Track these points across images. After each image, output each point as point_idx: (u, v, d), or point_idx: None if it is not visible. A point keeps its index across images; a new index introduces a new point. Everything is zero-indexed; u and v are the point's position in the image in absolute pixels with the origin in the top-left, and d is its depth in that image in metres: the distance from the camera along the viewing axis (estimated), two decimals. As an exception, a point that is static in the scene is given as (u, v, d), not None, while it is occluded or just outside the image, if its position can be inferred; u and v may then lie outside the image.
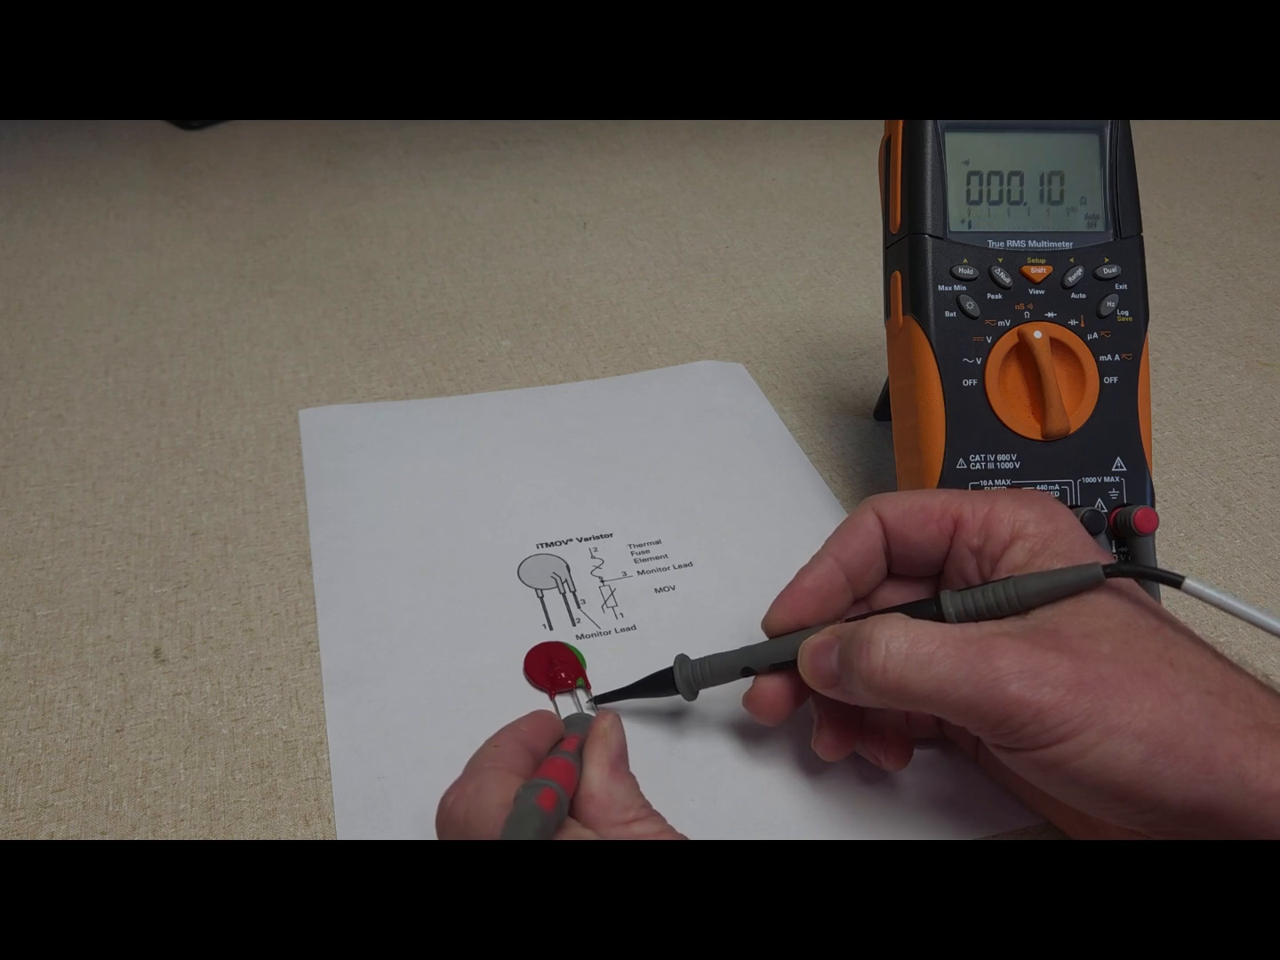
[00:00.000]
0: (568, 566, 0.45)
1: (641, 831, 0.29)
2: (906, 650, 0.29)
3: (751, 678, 0.35)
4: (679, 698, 0.37)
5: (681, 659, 0.36)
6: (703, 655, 0.36)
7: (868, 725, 0.35)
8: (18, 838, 0.34)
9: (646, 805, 0.30)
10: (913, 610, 0.32)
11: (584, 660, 0.40)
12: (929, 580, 0.36)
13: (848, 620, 0.34)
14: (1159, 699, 0.28)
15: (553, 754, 0.31)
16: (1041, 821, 0.35)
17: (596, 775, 0.30)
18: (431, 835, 0.34)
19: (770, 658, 0.35)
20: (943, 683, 0.28)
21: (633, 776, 0.31)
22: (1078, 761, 0.27)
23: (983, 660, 0.28)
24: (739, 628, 0.42)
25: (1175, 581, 0.30)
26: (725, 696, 0.39)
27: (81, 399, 0.55)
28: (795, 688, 0.35)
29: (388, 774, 0.36)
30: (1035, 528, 0.32)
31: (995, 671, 0.28)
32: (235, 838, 0.35)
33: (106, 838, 0.35)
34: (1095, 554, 0.32)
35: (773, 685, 0.35)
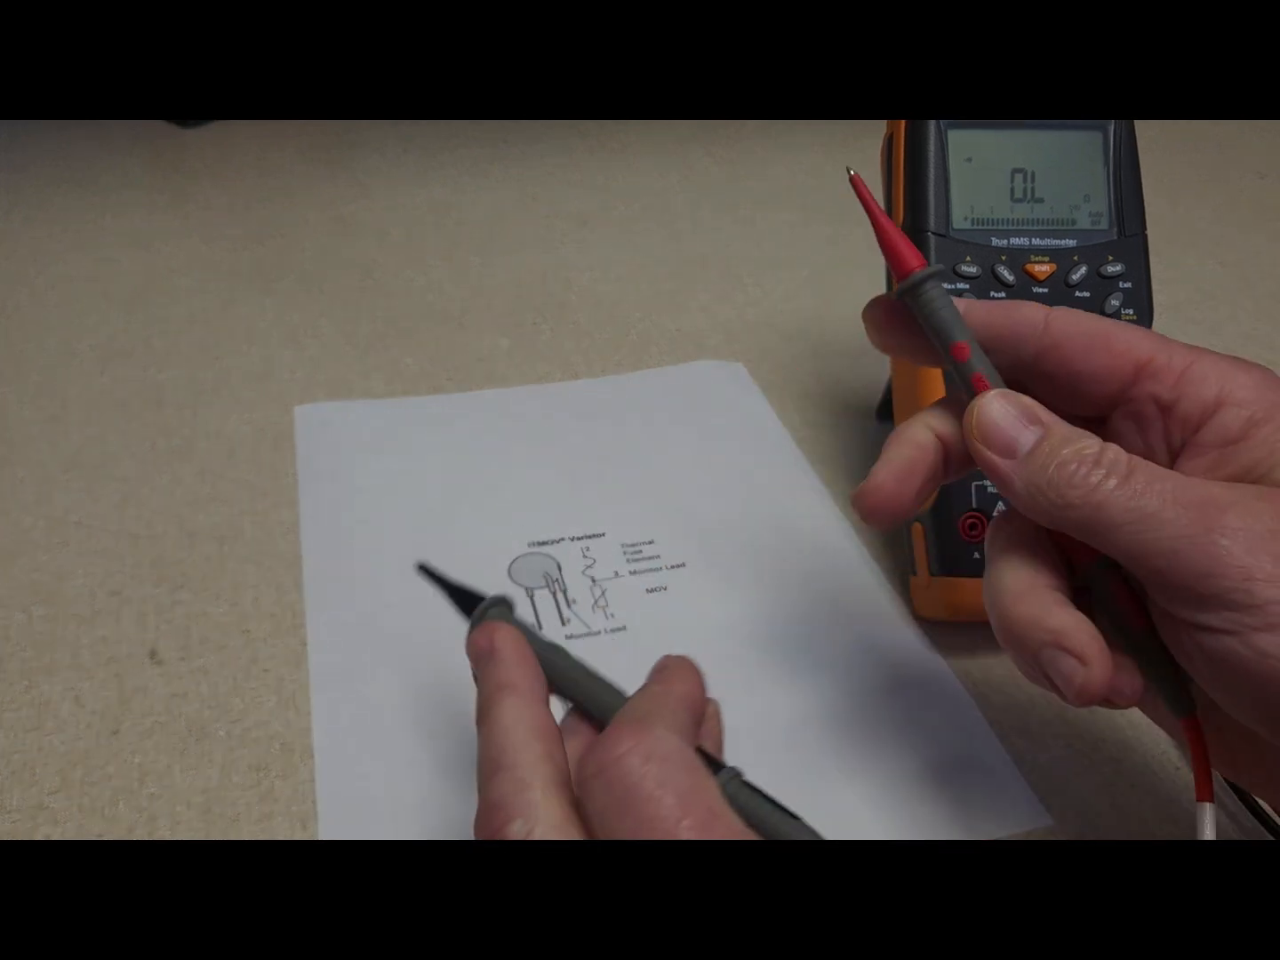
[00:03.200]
0: (559, 566, 0.44)
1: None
2: (1120, 475, 0.25)
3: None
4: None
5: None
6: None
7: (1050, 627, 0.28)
8: (13, 839, 0.34)
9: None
10: None
11: None
12: (1092, 425, 0.29)
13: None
14: None
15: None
16: (1046, 825, 0.35)
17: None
18: (417, 835, 0.33)
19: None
20: (1147, 517, 0.25)
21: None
22: None
23: (1199, 507, 0.25)
24: (731, 629, 0.41)
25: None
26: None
27: (77, 398, 0.54)
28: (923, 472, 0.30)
29: (373, 773, 0.36)
30: (1252, 394, 0.27)
31: (1210, 521, 0.24)
32: (231, 840, 0.34)
33: (102, 840, 0.34)
34: None
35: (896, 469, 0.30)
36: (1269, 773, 0.28)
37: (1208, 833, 0.26)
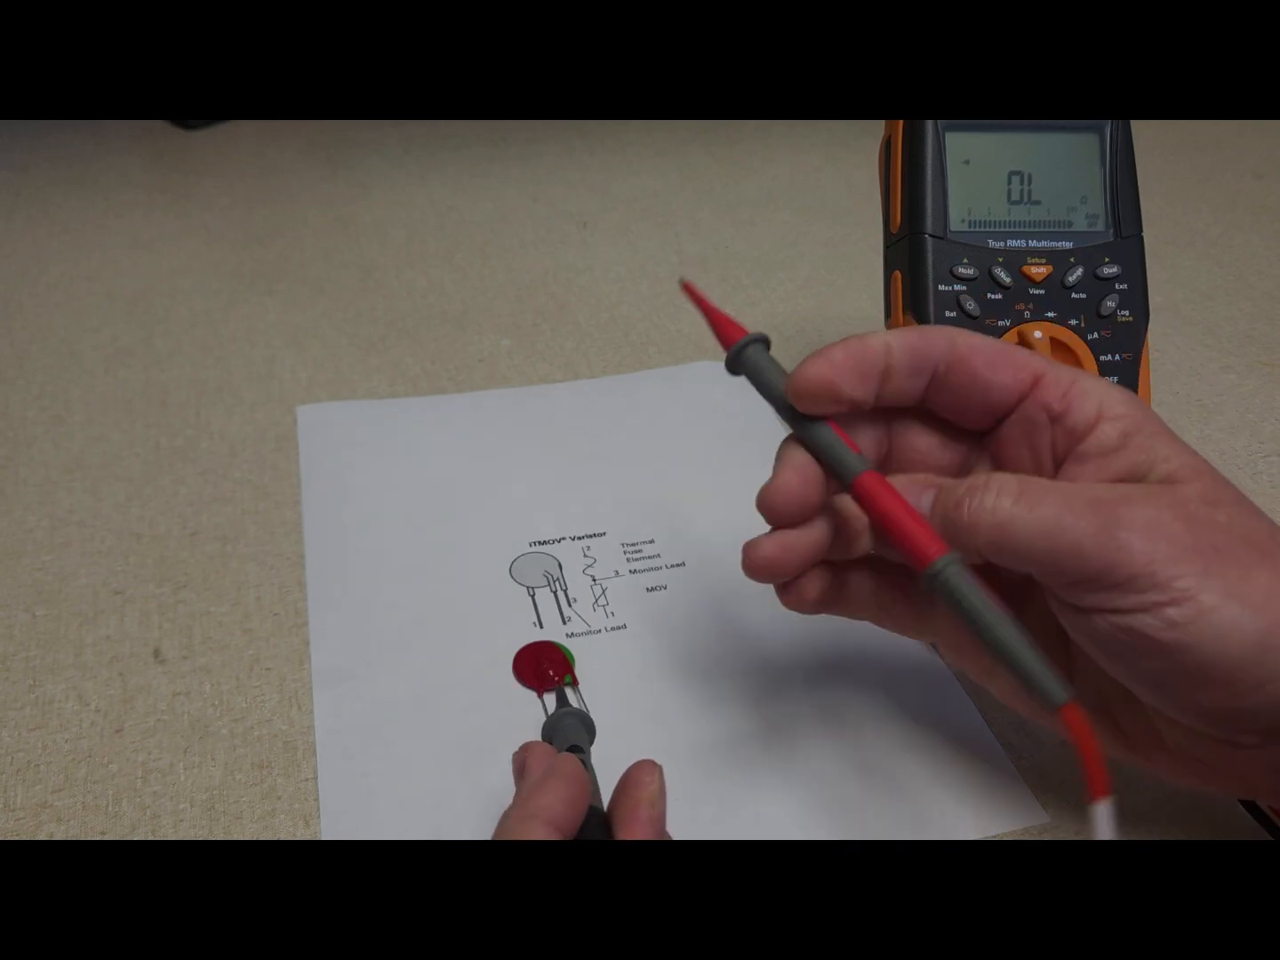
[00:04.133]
0: (560, 565, 0.45)
1: None
2: (1015, 495, 0.28)
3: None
4: (681, 663, 0.36)
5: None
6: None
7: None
8: (17, 838, 0.34)
9: None
10: None
11: (573, 658, 0.40)
12: (972, 442, 0.33)
13: None
14: (1274, 575, 0.26)
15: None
16: (1043, 822, 0.35)
17: None
18: (417, 833, 0.34)
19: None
20: (1049, 524, 0.27)
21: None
22: (1189, 629, 0.26)
23: (1095, 507, 0.27)
24: (730, 628, 0.42)
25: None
26: (711, 692, 0.39)
27: (80, 399, 0.54)
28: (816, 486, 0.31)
29: (374, 771, 0.36)
30: (1125, 409, 0.30)
31: (1108, 517, 0.27)
32: (235, 838, 0.35)
33: (106, 838, 0.34)
34: (1184, 453, 0.29)
35: (795, 474, 0.30)
36: (1172, 755, 0.30)
37: (1106, 833, 0.25)
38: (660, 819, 0.28)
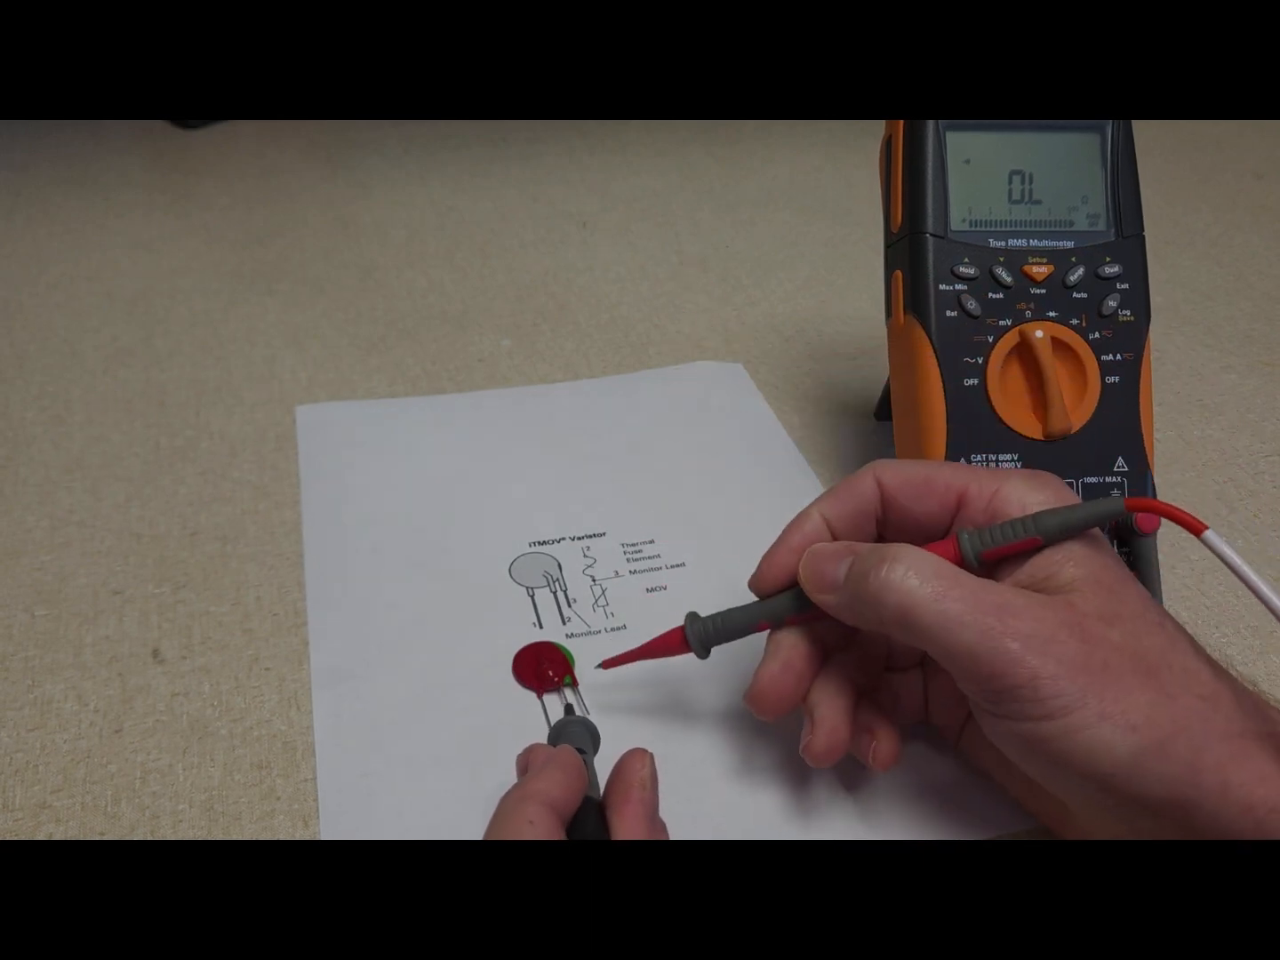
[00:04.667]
0: (560, 565, 0.45)
1: None
2: (925, 578, 0.29)
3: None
4: (682, 666, 0.36)
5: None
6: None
7: (860, 725, 0.34)
8: (16, 838, 0.34)
9: None
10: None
11: (572, 658, 0.40)
12: None
13: None
14: (1155, 696, 0.28)
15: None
16: (1030, 825, 0.35)
17: (636, 836, 0.28)
18: (416, 833, 0.34)
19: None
20: (950, 620, 0.28)
21: (664, 828, 0.30)
22: (1066, 741, 0.27)
23: (995, 612, 0.28)
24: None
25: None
26: (710, 693, 0.39)
27: (80, 399, 0.54)
28: (800, 671, 0.34)
29: (373, 772, 0.36)
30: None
31: (1004, 626, 0.28)
32: (234, 839, 0.35)
33: (105, 839, 0.34)
34: (1093, 559, 0.31)
35: (774, 674, 0.33)
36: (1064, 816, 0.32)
37: (1228, 552, 0.29)
38: (651, 803, 0.30)
